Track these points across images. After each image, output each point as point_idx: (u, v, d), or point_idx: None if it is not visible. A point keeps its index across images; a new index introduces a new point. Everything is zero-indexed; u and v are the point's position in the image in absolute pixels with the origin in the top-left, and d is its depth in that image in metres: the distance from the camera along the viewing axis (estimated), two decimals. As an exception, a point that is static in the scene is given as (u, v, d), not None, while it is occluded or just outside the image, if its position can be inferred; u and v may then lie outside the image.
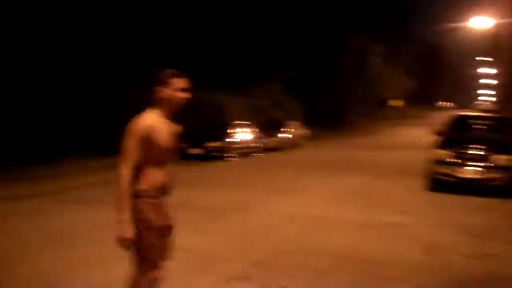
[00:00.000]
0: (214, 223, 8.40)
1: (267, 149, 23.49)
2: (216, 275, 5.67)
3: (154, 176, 3.56)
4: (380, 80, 52.27)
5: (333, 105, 39.41)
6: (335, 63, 38.93)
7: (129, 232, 3.44)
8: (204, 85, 25.35)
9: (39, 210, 9.34)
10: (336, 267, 6.07)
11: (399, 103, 64.89)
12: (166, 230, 3.66)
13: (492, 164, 11.44)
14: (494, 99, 69.15)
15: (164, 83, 3.58)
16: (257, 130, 23.15)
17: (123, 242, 3.50)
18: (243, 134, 21.57)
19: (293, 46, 34.47)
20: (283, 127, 26.14)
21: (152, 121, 3.52)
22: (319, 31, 36.63)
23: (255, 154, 21.87)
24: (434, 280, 5.68)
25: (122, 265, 6.00)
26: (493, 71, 62.54)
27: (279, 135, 25.33)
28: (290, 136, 26.23)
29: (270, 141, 24.13)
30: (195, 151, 18.99)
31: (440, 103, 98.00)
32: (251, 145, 21.98)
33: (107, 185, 12.93)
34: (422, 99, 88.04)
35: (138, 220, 3.49)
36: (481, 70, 78.46)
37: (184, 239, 7.02)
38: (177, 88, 3.59)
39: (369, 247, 7.02)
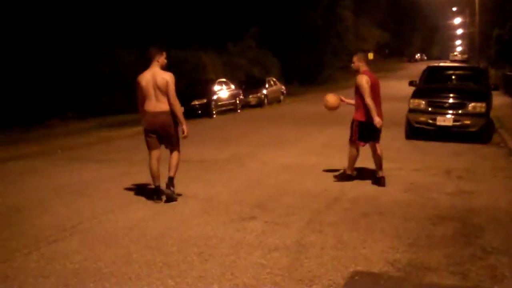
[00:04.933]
0: (212, 174, 8.89)
1: (246, 106, 23.93)
2: (226, 216, 6.23)
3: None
4: (352, 34, 52.50)
5: (308, 61, 39.74)
6: (305, 19, 39.05)
7: None
8: (180, 43, 25.48)
9: (45, 168, 9.84)
10: (331, 206, 6.67)
11: (371, 55, 65.39)
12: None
13: (466, 112, 12.11)
14: (466, 49, 69.99)
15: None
16: (235, 87, 23.42)
17: None
18: (222, 91, 21.78)
19: (263, 3, 34.45)
20: (261, 84, 26.26)
21: None
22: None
23: (234, 110, 22.27)
24: (419, 213, 6.30)
25: (137, 211, 6.55)
26: (465, 21, 63.07)
27: (258, 91, 25.44)
28: (269, 92, 26.29)
29: (249, 98, 24.48)
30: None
31: (418, 55, 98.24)
32: (230, 101, 22.25)
33: (101, 144, 13.42)
34: (396, 51, 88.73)
35: None
36: (455, 20, 78.86)
37: (188, 187, 7.57)
38: None
39: (359, 189, 7.63)
